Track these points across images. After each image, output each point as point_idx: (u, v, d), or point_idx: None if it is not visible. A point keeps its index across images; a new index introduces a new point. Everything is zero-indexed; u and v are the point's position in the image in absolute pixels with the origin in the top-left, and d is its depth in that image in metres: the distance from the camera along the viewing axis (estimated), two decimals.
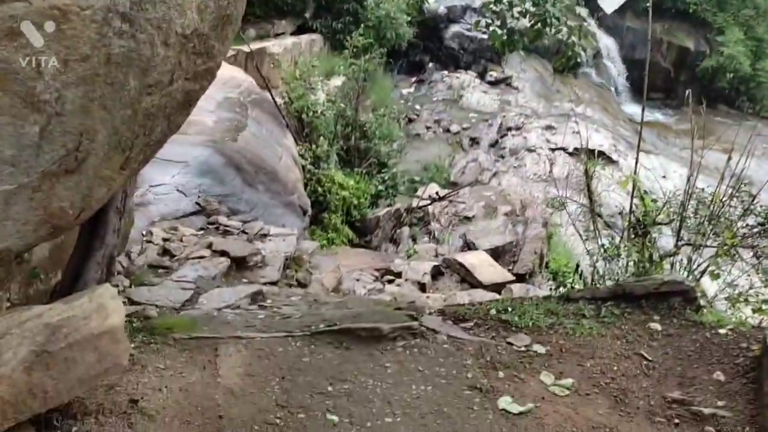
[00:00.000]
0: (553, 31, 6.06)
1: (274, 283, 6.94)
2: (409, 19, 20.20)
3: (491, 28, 6.28)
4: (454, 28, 23.53)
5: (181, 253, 6.92)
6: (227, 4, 4.00)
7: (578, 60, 6.45)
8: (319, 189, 11.48)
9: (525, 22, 6.11)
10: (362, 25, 14.41)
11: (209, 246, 7.11)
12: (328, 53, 18.14)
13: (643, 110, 7.58)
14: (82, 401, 3.72)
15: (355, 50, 13.58)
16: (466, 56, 23.56)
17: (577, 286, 6.59)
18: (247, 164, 9.41)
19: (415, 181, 16.85)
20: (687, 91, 5.69)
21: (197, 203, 8.07)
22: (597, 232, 5.98)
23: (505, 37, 6.22)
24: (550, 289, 6.80)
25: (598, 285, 5.72)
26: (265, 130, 10.99)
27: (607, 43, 25.46)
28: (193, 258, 6.83)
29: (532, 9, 6.05)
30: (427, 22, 22.79)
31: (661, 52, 25.43)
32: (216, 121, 10.20)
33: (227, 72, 12.17)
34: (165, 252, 6.89)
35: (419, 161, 18.11)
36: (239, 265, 7.01)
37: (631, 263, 6.19)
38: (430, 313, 5.37)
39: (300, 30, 18.47)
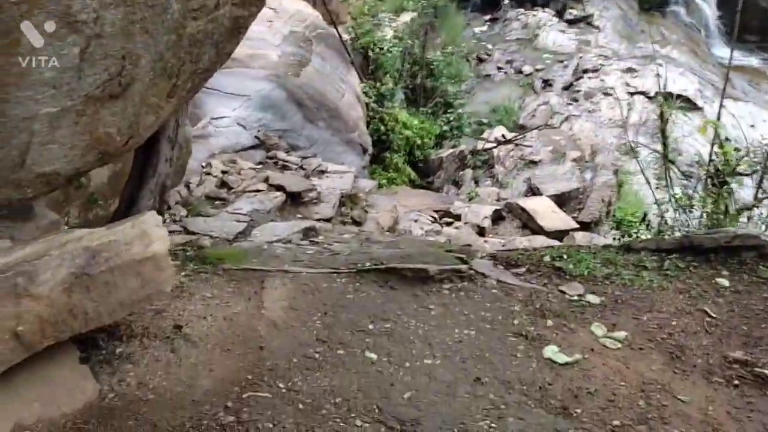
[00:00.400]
0: None
1: (327, 220, 6.91)
2: None
3: None
4: None
5: (238, 185, 6.96)
6: None
7: None
8: (382, 127, 11.28)
9: None
10: None
11: (266, 180, 7.12)
12: None
13: (732, 51, 6.96)
14: (129, 324, 3.80)
15: None
16: None
17: (642, 237, 6.25)
18: (308, 100, 9.30)
19: (483, 123, 16.38)
20: None
21: (257, 137, 8.07)
22: (669, 180, 5.57)
23: None
24: (614, 238, 6.45)
25: (664, 236, 5.36)
26: (329, 66, 10.80)
27: None
28: (249, 191, 6.86)
29: None
30: None
31: None
32: (280, 55, 10.09)
33: (293, 5, 11.99)
34: (223, 184, 6.95)
35: (488, 103, 17.54)
36: (294, 200, 7.00)
37: (705, 215, 5.80)
38: (482, 257, 5.20)
39: None
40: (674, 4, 22.93)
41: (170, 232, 5.84)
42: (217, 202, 6.56)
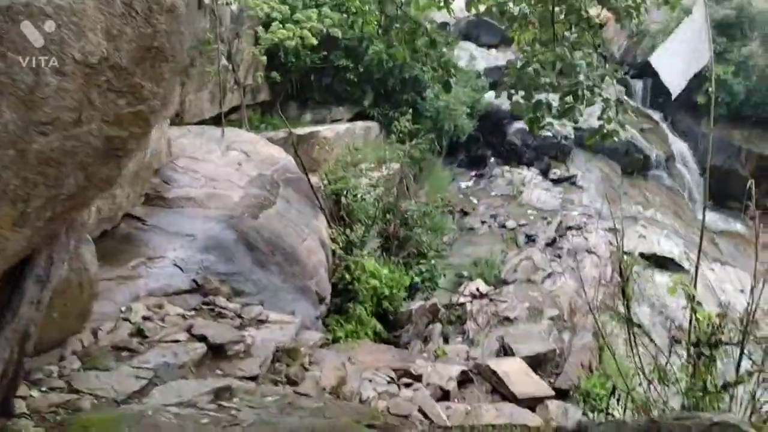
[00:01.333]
0: (585, 104, 5.09)
1: (253, 378, 5.93)
2: (470, 111, 19.71)
3: (513, 98, 5.38)
4: (518, 125, 22.80)
5: (155, 334, 6.06)
6: (152, 32, 3.28)
7: (614, 138, 5.41)
8: (347, 276, 10.55)
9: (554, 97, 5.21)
10: (409, 111, 13.85)
11: (189, 329, 6.23)
12: (384, 141, 17.70)
13: (704, 213, 6.43)
14: None
15: (401, 135, 12.96)
16: (529, 152, 22.72)
17: (615, 415, 5.25)
18: (262, 243, 8.65)
19: (463, 276, 15.70)
20: (749, 182, 4.49)
21: (194, 281, 7.29)
22: (633, 348, 4.71)
23: (529, 111, 5.27)
24: (583, 413, 5.45)
25: (626, 419, 4.40)
26: (295, 209, 10.30)
27: (680, 147, 24.13)
28: (166, 341, 5.95)
29: (564, 81, 5.13)
30: (489, 117, 22.25)
31: (740, 161, 23.82)
32: (242, 196, 9.60)
33: (266, 150, 11.77)
34: (138, 332, 6.05)
35: (470, 256, 16.99)
36: (217, 353, 6.07)
37: (683, 392, 4.86)
38: None
39: (358, 117, 18.25)
40: (656, 168, 23.21)
41: (51, 389, 4.88)
42: (124, 353, 5.65)
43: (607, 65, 6.36)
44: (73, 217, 3.91)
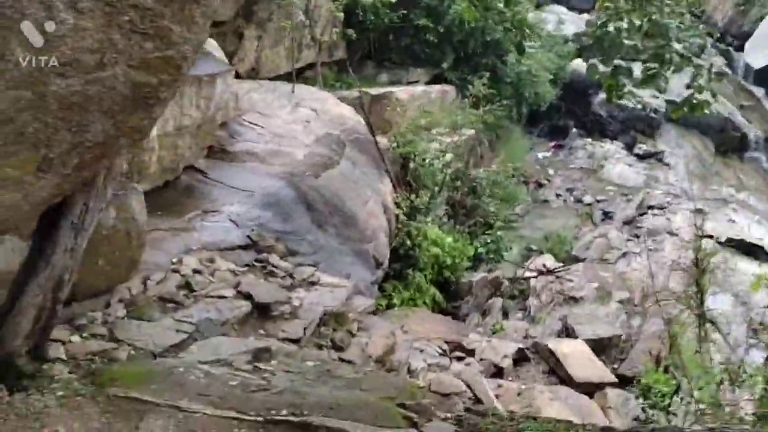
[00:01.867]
0: (672, 69, 4.47)
1: (296, 341, 5.78)
2: (553, 78, 18.72)
3: (590, 61, 4.82)
4: (604, 95, 21.55)
5: (202, 289, 5.99)
6: None
7: (704, 110, 4.76)
8: (408, 242, 10.24)
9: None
10: (485, 75, 13.14)
11: (236, 286, 6.13)
12: (460, 105, 17.10)
13: None
14: None
15: (475, 99, 12.37)
16: (615, 125, 21.45)
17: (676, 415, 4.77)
18: (321, 203, 8.45)
19: (532, 250, 15.09)
20: None
21: (248, 237, 7.18)
22: (701, 344, 4.19)
23: (606, 76, 4.70)
24: (642, 409, 4.99)
25: (688, 425, 3.92)
26: (359, 171, 10.04)
27: None
28: (212, 296, 5.87)
29: (651, 44, 4.52)
30: (573, 86, 21.09)
31: None
32: (306, 154, 9.42)
33: (337, 109, 11.52)
34: (186, 285, 5.99)
35: (542, 229, 16.31)
36: (262, 312, 5.95)
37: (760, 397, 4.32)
38: (444, 419, 3.92)
39: (436, 80, 17.69)
40: (754, 149, 21.44)
41: (92, 335, 4.88)
42: (169, 305, 5.61)
43: (701, 28, 5.62)
44: (107, 166, 3.77)
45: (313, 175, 8.86)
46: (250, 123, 9.79)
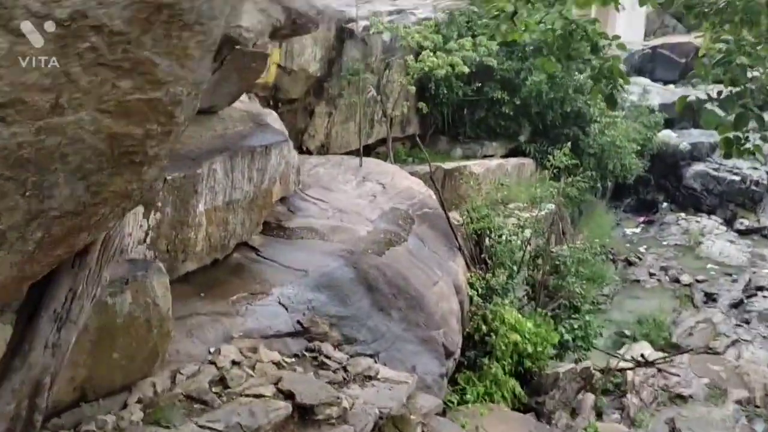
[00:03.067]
0: None
1: None
2: (639, 149, 17.41)
3: (705, 106, 3.74)
4: (698, 167, 19.92)
5: (238, 385, 5.10)
6: None
7: None
8: (484, 327, 9.07)
9: None
10: (567, 145, 12.04)
11: (277, 382, 5.20)
12: (538, 179, 16.04)
13: None
14: None
15: (556, 171, 11.30)
16: (711, 199, 19.66)
17: None
18: (384, 283, 7.52)
19: (624, 335, 13.45)
20: None
21: (299, 322, 6.31)
22: None
23: (727, 127, 3.58)
24: None
25: None
26: (428, 248, 9.10)
27: None
28: (248, 395, 4.96)
29: None
30: (663, 157, 19.63)
31: None
32: (370, 231, 8.61)
33: (405, 183, 10.77)
34: (221, 380, 5.13)
35: (633, 312, 14.64)
36: (304, 416, 4.96)
37: None
38: None
39: (512, 154, 16.79)
40: None
41: None
42: (196, 406, 4.75)
43: None
44: (94, 241, 3.01)
45: (376, 253, 7.99)
46: (312, 198, 9.14)
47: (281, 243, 7.68)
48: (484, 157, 16.13)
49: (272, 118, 8.32)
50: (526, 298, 10.99)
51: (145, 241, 5.82)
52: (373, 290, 7.35)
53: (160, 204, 5.83)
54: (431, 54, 13.18)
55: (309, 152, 13.27)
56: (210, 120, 7.23)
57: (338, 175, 10.52)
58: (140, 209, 5.69)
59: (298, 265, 7.06)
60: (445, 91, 15.28)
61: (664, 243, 18.59)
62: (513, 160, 15.86)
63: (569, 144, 12.47)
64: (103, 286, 3.42)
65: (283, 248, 7.54)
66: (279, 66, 12.40)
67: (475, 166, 14.46)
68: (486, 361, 8.90)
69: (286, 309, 6.34)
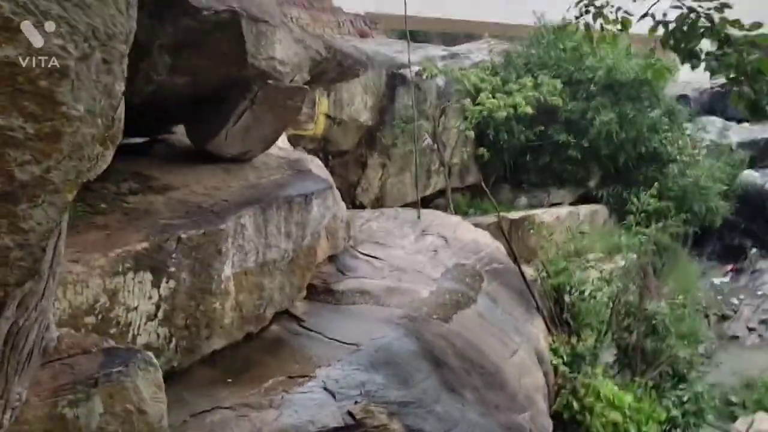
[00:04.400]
0: None
1: None
2: (725, 190, 15.48)
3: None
4: None
5: None
6: None
7: None
8: (575, 404, 7.37)
9: None
10: (651, 191, 10.30)
11: None
12: (614, 227, 14.28)
13: None
14: None
15: (642, 216, 9.62)
16: None
17: None
18: (453, 357, 6.01)
19: (732, 402, 11.33)
20: None
21: (350, 413, 4.85)
22: None
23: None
24: None
25: None
26: (501, 310, 7.57)
27: None
28: None
29: None
30: (748, 198, 17.50)
31: None
32: (433, 291, 7.16)
33: (469, 235, 9.31)
34: None
35: (737, 374, 12.48)
36: None
37: None
38: None
39: (582, 201, 15.14)
40: None
41: None
42: None
43: None
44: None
45: (441, 319, 6.51)
46: (365, 255, 7.80)
47: (329, 310, 6.31)
48: (551, 205, 14.56)
49: (315, 164, 7.11)
50: (616, 365, 9.19)
51: (156, 316, 4.57)
52: (441, 366, 5.84)
53: (173, 269, 4.60)
54: (490, 96, 11.92)
55: (362, 207, 12.06)
56: (242, 169, 6.06)
57: (394, 229, 9.18)
58: (147, 277, 4.48)
59: (348, 338, 5.65)
60: (506, 136, 13.95)
61: (759, 293, 16.27)
62: (584, 207, 14.21)
63: (656, 184, 10.77)
64: (14, 408, 2.12)
65: (330, 316, 6.17)
66: (328, 116, 11.38)
67: (544, 214, 12.92)
68: None
69: (333, 396, 4.90)
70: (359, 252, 7.82)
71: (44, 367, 2.86)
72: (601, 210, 14.46)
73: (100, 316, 4.23)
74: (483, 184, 12.23)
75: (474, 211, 13.62)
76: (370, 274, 7.29)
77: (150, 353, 3.25)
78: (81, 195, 5.34)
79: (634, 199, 9.59)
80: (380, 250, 8.22)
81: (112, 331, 4.32)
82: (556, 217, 13.08)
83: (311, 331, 5.84)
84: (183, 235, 4.65)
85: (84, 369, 2.93)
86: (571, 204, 14.69)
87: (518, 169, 14.90)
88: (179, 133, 6.89)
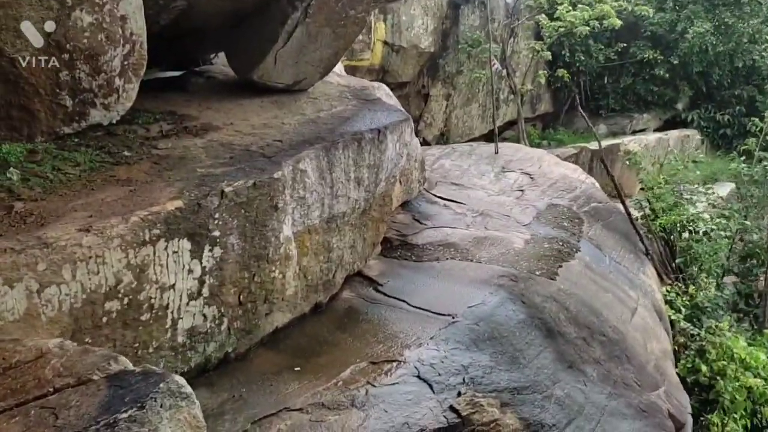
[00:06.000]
0: None
1: None
2: None
3: None
4: None
5: None
6: None
7: None
8: (702, 367, 6.02)
9: None
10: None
11: None
12: (708, 153, 12.47)
13: None
14: None
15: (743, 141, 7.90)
16: None
17: None
18: (568, 323, 4.73)
19: None
20: None
21: (452, 408, 3.67)
22: None
23: None
24: None
25: None
26: (610, 259, 6.20)
27: None
28: None
29: None
30: None
31: None
32: (528, 240, 5.84)
33: (558, 170, 7.87)
34: None
35: None
36: None
37: None
38: None
39: (669, 125, 13.31)
40: None
41: None
42: None
43: None
44: None
45: (546, 275, 5.19)
46: (443, 199, 6.51)
47: (409, 269, 5.08)
48: (634, 132, 12.81)
49: (384, 92, 5.75)
50: (738, 315, 7.73)
51: (200, 293, 3.44)
52: (555, 336, 4.56)
53: (217, 233, 3.42)
54: (569, 8, 10.13)
55: (426, 143, 10.68)
56: (296, 100, 4.77)
57: (470, 167, 7.82)
58: (184, 245, 3.31)
59: (438, 306, 4.42)
60: (582, 57, 12.15)
61: None
62: (674, 133, 12.43)
63: (744, 108, 8.94)
64: None
65: (412, 277, 4.94)
66: (385, 43, 9.89)
67: (631, 143, 11.24)
68: (712, 418, 5.84)
69: (431, 387, 3.71)
70: (436, 195, 6.53)
71: (12, 412, 1.73)
72: (692, 135, 12.65)
73: (125, 300, 3.12)
74: (557, 113, 10.62)
75: (548, 143, 12.05)
76: (451, 222, 6.00)
77: (179, 378, 2.06)
78: (99, 142, 4.20)
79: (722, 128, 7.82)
80: (458, 192, 6.90)
81: (144, 317, 3.22)
82: (644, 145, 11.40)
83: (391, 297, 4.64)
84: (227, 188, 3.43)
85: (76, 415, 1.78)
86: (657, 130, 12.90)
87: (595, 93, 13.14)
88: (220, 63, 5.64)
